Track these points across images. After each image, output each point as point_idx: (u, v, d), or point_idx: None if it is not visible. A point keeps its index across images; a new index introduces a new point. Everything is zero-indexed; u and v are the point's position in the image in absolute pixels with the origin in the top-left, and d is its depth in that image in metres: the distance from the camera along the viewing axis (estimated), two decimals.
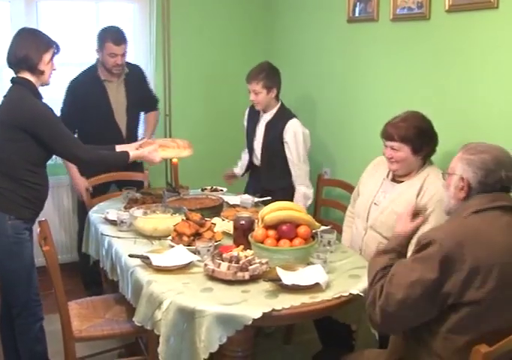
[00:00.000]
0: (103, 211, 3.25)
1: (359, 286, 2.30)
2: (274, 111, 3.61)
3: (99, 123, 3.85)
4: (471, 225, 1.92)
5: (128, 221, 2.97)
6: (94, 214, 3.30)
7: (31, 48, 2.76)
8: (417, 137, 2.72)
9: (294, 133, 3.52)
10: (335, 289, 2.28)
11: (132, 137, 3.93)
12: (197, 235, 2.69)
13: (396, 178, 2.90)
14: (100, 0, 4.31)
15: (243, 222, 2.70)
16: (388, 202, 2.83)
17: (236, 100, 4.44)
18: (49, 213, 4.03)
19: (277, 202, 2.63)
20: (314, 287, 2.24)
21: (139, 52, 4.42)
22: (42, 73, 2.81)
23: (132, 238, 2.86)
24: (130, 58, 4.43)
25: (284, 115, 3.60)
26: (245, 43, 4.79)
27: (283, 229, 2.51)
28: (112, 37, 3.77)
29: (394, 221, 2.55)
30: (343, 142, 4.06)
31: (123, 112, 3.95)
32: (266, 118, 3.65)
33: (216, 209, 3.21)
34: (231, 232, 2.84)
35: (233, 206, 3.34)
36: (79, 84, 3.88)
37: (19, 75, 2.81)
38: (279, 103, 3.63)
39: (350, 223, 3.15)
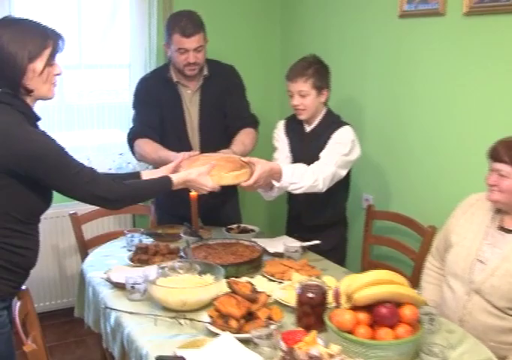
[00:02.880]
0: (102, 264, 2.44)
1: None
2: (319, 119, 2.80)
3: (171, 140, 2.95)
4: None
5: (142, 287, 2.16)
6: (92, 270, 2.47)
7: (8, 58, 1.84)
8: None
9: (342, 135, 2.72)
10: None
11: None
12: (249, 315, 1.89)
13: (505, 226, 2.14)
14: None
15: (312, 295, 1.92)
16: (500, 261, 2.09)
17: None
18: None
19: (370, 273, 1.83)
20: None
21: (135, 50, 3.58)
22: (31, 91, 1.92)
23: (151, 315, 2.04)
24: (123, 58, 3.61)
25: (332, 122, 2.79)
26: (259, 43, 4.02)
27: (383, 313, 1.73)
28: (180, 26, 2.79)
29: (510, 286, 1.97)
30: (394, 162, 3.30)
31: (195, 131, 3.02)
32: (308, 130, 2.85)
33: (256, 263, 2.42)
34: (286, 301, 2.06)
35: (276, 256, 2.55)
36: (150, 84, 2.99)
37: (2, 90, 1.91)
38: (325, 109, 2.83)
39: (435, 280, 2.39)
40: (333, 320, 1.78)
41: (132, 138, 2.98)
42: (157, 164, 2.82)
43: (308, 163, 2.66)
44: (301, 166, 2.60)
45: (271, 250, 2.60)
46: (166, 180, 2.23)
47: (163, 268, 2.24)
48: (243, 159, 2.46)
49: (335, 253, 2.88)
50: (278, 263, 2.42)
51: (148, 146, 2.89)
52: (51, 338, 3.33)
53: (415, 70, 3.08)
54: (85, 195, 1.99)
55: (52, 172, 1.90)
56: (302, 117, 2.76)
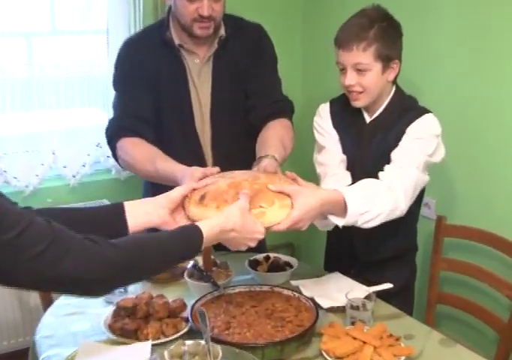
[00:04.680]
0: (64, 333, 1.59)
1: None
2: (385, 103, 1.86)
3: (171, 138, 2.07)
4: None
5: None
6: (47, 347, 1.56)
7: None
8: None
9: (424, 128, 1.80)
10: None
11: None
12: None
13: None
14: None
15: None
16: None
17: None
18: None
19: None
20: None
21: (114, 11, 2.63)
22: None
23: None
24: (99, 22, 2.65)
25: (407, 108, 1.85)
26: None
27: None
28: None
29: None
30: (465, 159, 2.40)
31: (206, 121, 2.09)
32: (370, 120, 1.91)
33: (307, 337, 1.52)
34: None
35: (332, 311, 1.65)
36: (138, 50, 2.05)
37: None
38: (394, 89, 1.88)
39: None
40: None
41: (113, 137, 2.03)
42: (153, 179, 1.90)
43: (370, 171, 1.76)
44: (369, 182, 1.70)
45: (323, 302, 1.70)
46: (191, 232, 1.30)
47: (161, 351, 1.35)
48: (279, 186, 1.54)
49: (405, 295, 2.01)
50: (342, 332, 1.53)
51: (138, 151, 1.95)
52: None
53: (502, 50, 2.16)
54: (34, 278, 1.07)
55: None
56: (358, 103, 1.83)
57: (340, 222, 1.62)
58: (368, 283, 1.83)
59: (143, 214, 1.42)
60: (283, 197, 1.50)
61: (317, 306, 1.65)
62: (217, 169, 1.64)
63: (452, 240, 2.32)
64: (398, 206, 1.68)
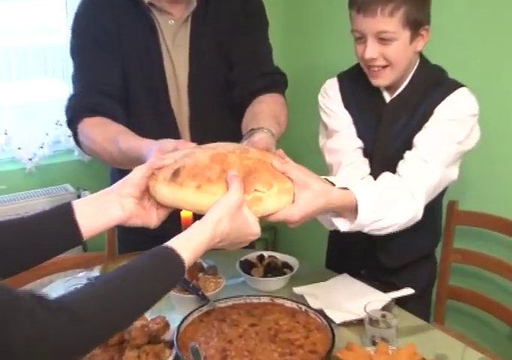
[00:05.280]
0: None
1: None
2: (409, 78, 1.53)
3: (141, 114, 1.72)
4: None
5: None
6: None
7: None
8: None
9: (458, 105, 1.48)
10: None
11: None
12: None
13: None
14: None
15: None
16: None
17: None
18: None
19: None
20: None
21: None
22: None
23: None
24: None
25: (436, 82, 1.52)
26: None
27: None
28: None
29: None
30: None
31: (183, 95, 1.73)
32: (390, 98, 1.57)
33: None
34: None
35: (345, 325, 1.37)
36: (99, 9, 1.66)
37: None
38: (419, 60, 1.54)
39: None
40: None
41: (73, 118, 1.66)
42: (121, 164, 1.55)
43: (390, 163, 1.46)
44: (391, 182, 1.40)
45: (335, 315, 1.41)
46: (168, 266, 0.95)
47: None
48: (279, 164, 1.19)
49: (424, 296, 1.73)
50: (364, 357, 1.24)
51: (99, 132, 1.58)
52: None
53: None
54: None
55: None
56: (381, 81, 1.50)
57: (344, 226, 1.32)
58: (381, 286, 1.55)
59: (99, 211, 1.08)
60: (282, 179, 1.15)
61: (329, 321, 1.36)
62: (194, 144, 1.26)
63: (463, 228, 2.05)
64: (416, 216, 1.39)
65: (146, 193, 1.13)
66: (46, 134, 2.43)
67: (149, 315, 1.38)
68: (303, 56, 2.74)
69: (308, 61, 2.72)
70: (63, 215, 1.06)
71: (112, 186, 1.12)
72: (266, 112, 1.57)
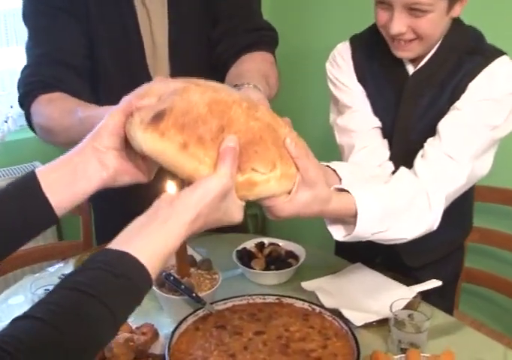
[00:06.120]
0: None
1: None
2: (437, 44, 1.25)
3: (110, 75, 1.45)
4: None
5: None
6: None
7: None
8: None
9: (497, 80, 1.20)
10: None
11: None
12: None
13: None
14: None
15: None
16: None
17: None
18: None
19: None
20: None
21: None
22: None
23: None
24: None
25: (470, 49, 1.24)
26: None
27: None
28: None
29: None
30: None
31: (162, 53, 1.47)
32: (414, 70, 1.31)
33: None
34: None
35: (366, 327, 1.16)
36: None
37: None
38: (450, 22, 1.26)
39: None
40: None
41: (25, 96, 1.37)
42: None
43: (412, 148, 1.23)
44: (404, 186, 1.15)
45: (354, 316, 1.20)
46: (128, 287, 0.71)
47: None
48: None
49: (450, 290, 1.53)
50: None
51: (55, 106, 1.30)
52: None
53: None
54: None
55: None
56: (406, 54, 1.25)
57: (338, 236, 1.08)
58: (400, 276, 1.35)
59: (72, 176, 0.83)
60: (287, 159, 0.89)
61: (349, 325, 1.15)
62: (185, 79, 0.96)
63: (481, 205, 1.85)
64: (431, 229, 1.16)
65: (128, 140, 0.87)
66: (11, 106, 2.17)
67: (132, 320, 1.17)
68: (295, 12, 2.47)
69: (301, 18, 2.45)
70: (26, 189, 0.82)
71: (84, 140, 0.86)
72: (253, 70, 1.31)
